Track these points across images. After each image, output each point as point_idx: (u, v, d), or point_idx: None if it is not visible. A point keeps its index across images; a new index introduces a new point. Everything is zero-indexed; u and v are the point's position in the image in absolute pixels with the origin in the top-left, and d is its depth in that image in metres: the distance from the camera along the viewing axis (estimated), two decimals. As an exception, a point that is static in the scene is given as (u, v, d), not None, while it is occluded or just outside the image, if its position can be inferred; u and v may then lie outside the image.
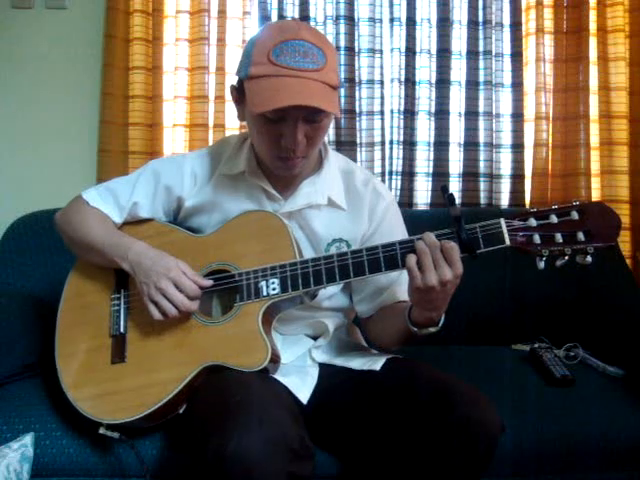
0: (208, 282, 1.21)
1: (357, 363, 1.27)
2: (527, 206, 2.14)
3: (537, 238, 1.09)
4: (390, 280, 1.29)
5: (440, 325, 1.16)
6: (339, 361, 1.30)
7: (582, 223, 1.08)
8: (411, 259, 1.08)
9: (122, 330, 1.26)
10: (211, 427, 1.02)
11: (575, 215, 1.09)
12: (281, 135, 1.15)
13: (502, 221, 1.10)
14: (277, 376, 1.20)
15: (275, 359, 1.18)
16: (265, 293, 1.18)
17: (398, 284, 1.29)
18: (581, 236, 1.07)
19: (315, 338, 1.35)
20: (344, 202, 1.30)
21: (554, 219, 1.09)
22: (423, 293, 1.08)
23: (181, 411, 1.21)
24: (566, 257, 1.08)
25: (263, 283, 1.18)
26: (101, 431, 1.18)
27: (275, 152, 1.19)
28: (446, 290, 1.08)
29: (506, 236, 1.09)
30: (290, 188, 1.29)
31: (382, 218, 1.31)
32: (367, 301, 1.33)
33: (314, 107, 1.10)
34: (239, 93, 1.21)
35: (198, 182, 1.32)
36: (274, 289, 1.17)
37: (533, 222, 1.10)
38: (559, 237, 1.08)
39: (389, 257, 1.13)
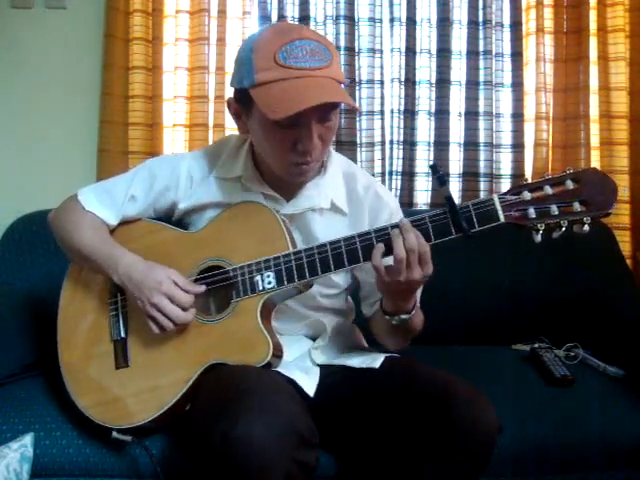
0: (201, 288, 1.21)
1: (356, 361, 1.27)
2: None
3: (532, 212, 1.06)
4: None
5: (413, 312, 1.18)
6: (338, 360, 1.30)
7: (578, 192, 1.05)
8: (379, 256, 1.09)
9: (122, 335, 1.26)
10: (218, 413, 1.02)
11: (570, 184, 1.06)
12: (296, 140, 1.13)
13: (495, 197, 1.08)
14: (280, 369, 1.20)
15: (278, 354, 1.18)
16: (261, 287, 1.17)
17: None
18: (577, 206, 1.05)
19: (314, 339, 1.35)
20: (346, 206, 1.29)
21: (548, 190, 1.07)
22: (387, 286, 1.11)
23: (187, 408, 1.21)
24: (563, 229, 1.06)
25: (258, 277, 1.17)
26: (113, 436, 1.18)
27: (291, 159, 1.16)
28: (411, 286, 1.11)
29: (500, 213, 1.07)
30: (292, 190, 1.26)
31: None
32: (367, 300, 1.34)
33: (334, 102, 1.09)
34: (242, 104, 1.17)
35: (194, 184, 1.30)
36: (269, 282, 1.17)
37: (527, 195, 1.07)
38: (554, 209, 1.06)
39: (382, 242, 1.11)
